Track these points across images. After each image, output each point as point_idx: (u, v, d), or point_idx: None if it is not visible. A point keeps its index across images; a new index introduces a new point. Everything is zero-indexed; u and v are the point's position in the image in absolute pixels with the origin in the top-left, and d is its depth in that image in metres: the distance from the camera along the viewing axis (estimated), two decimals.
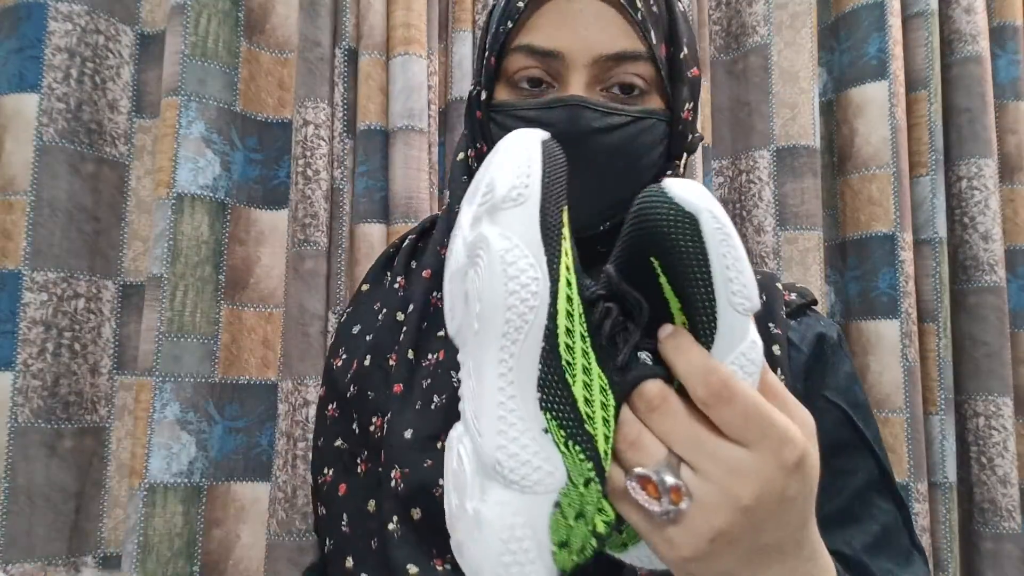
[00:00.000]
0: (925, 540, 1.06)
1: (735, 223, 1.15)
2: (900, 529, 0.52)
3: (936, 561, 1.08)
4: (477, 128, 0.54)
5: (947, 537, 1.08)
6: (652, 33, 0.50)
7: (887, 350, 1.10)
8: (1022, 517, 1.11)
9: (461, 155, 0.58)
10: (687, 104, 0.53)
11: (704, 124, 1.14)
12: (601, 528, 0.31)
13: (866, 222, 1.14)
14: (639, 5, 0.50)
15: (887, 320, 1.10)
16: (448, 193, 0.58)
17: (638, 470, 0.30)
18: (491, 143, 0.52)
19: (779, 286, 0.56)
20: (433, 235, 0.58)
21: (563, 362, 0.31)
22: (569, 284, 0.31)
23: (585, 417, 0.30)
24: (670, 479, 0.29)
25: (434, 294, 0.55)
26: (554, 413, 0.30)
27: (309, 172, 0.98)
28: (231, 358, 0.97)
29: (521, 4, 0.51)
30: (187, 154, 0.94)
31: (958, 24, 1.20)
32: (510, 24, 0.51)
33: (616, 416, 0.31)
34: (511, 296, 0.30)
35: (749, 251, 1.13)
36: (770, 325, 0.53)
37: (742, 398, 0.30)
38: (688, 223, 0.30)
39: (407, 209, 0.98)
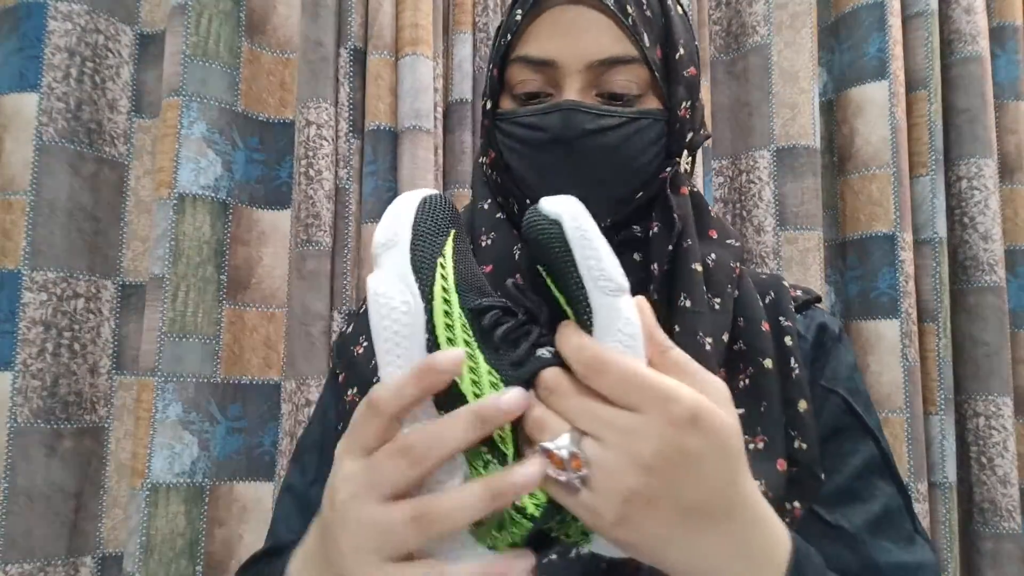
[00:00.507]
0: None
1: (735, 223, 1.16)
2: (902, 512, 0.53)
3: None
4: (487, 136, 0.57)
5: (947, 537, 1.08)
6: (645, 37, 0.52)
7: (887, 350, 1.10)
8: (1022, 517, 1.11)
9: (481, 159, 0.60)
10: (684, 103, 0.54)
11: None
12: (532, 509, 0.34)
13: (866, 222, 1.14)
14: (630, 11, 0.52)
15: (887, 320, 1.10)
16: (471, 194, 0.61)
17: (539, 445, 0.33)
18: (498, 150, 0.55)
19: (786, 284, 0.59)
20: None
21: None
22: (446, 301, 0.36)
23: None
24: (567, 449, 0.33)
25: None
26: (446, 410, 0.34)
27: (311, 172, 0.98)
28: (233, 358, 0.97)
29: (519, 17, 0.53)
30: (188, 154, 0.94)
31: (958, 24, 1.20)
32: (509, 36, 0.54)
33: None
34: (385, 320, 0.35)
35: (749, 251, 1.13)
36: (781, 319, 0.55)
37: (615, 366, 0.33)
38: (554, 229, 0.34)
39: None
